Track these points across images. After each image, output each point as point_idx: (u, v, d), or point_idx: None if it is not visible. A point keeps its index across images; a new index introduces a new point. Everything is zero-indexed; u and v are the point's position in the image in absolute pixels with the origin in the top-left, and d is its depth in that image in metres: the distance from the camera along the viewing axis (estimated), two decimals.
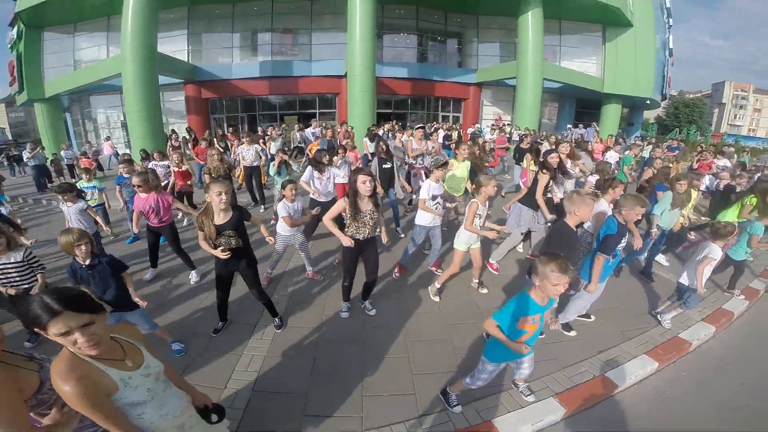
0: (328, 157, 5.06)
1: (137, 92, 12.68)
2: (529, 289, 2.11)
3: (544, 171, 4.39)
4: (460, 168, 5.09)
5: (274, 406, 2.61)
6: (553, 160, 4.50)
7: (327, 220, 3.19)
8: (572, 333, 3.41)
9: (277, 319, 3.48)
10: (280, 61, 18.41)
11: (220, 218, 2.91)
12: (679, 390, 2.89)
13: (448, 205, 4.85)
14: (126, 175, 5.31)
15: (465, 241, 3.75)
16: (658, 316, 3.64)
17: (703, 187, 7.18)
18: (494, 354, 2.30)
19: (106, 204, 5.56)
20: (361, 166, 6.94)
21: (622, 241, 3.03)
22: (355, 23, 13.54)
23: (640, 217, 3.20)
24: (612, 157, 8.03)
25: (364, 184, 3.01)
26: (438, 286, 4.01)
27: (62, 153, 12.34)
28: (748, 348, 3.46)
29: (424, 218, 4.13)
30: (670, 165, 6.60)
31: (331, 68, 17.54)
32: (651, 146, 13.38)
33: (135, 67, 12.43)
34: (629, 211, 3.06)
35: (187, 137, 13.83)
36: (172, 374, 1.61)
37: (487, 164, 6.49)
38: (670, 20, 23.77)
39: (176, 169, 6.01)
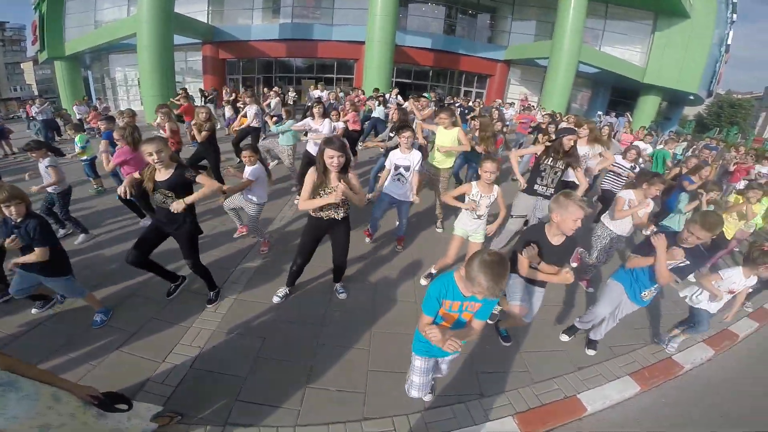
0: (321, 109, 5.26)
1: (151, 52, 12.58)
2: (457, 270, 1.75)
3: (544, 144, 3.85)
4: (444, 137, 4.41)
5: (207, 387, 2.39)
6: (567, 141, 3.65)
7: (303, 202, 2.71)
8: (591, 352, 2.98)
9: (212, 293, 3.21)
10: (301, 24, 17.86)
11: (161, 175, 2.66)
12: (654, 418, 2.55)
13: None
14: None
15: (462, 225, 3.24)
16: (663, 343, 3.18)
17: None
18: (418, 345, 2.01)
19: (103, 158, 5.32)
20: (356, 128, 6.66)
21: None
22: None
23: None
24: (643, 148, 7.17)
25: (330, 159, 2.56)
26: (434, 271, 3.60)
27: (75, 108, 12.41)
28: (741, 377, 3.07)
29: (389, 187, 3.77)
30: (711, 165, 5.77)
31: (353, 33, 16.85)
32: (686, 143, 12.45)
33: (150, 28, 12.30)
34: (689, 227, 2.37)
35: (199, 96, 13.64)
36: (29, 372, 1.45)
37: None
38: (734, 16, 21.50)
39: (162, 126, 5.84)
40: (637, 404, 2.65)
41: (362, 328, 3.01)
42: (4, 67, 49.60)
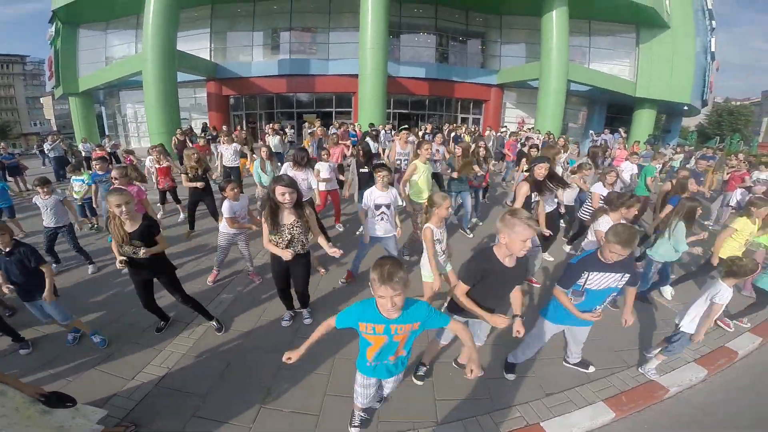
0: (306, 158, 4.92)
1: (156, 89, 13.26)
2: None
3: (526, 179, 3.84)
4: (424, 172, 4.59)
5: (167, 403, 2.57)
6: (539, 171, 3.76)
7: (266, 243, 2.95)
8: (510, 376, 2.87)
9: (215, 323, 3.41)
10: (299, 60, 18.65)
11: (128, 227, 2.82)
12: None
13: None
14: (100, 173, 5.45)
15: (434, 268, 3.10)
16: (642, 368, 3.01)
17: (733, 203, 6.45)
18: (360, 362, 2.02)
19: (93, 199, 5.64)
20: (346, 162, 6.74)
21: (590, 277, 2.38)
22: (366, 30, 13.58)
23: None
24: (627, 168, 7.03)
25: (282, 196, 2.77)
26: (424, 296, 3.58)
27: (81, 146, 13.04)
28: (739, 399, 2.84)
29: (374, 228, 3.79)
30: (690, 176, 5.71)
31: (348, 67, 17.35)
32: (682, 155, 12.43)
33: (154, 65, 13.00)
34: (608, 246, 2.28)
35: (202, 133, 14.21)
36: None
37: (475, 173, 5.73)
38: (713, 23, 22.16)
39: (156, 165, 6.08)
40: None
41: (326, 354, 3.05)
42: (25, 102, 51.87)
